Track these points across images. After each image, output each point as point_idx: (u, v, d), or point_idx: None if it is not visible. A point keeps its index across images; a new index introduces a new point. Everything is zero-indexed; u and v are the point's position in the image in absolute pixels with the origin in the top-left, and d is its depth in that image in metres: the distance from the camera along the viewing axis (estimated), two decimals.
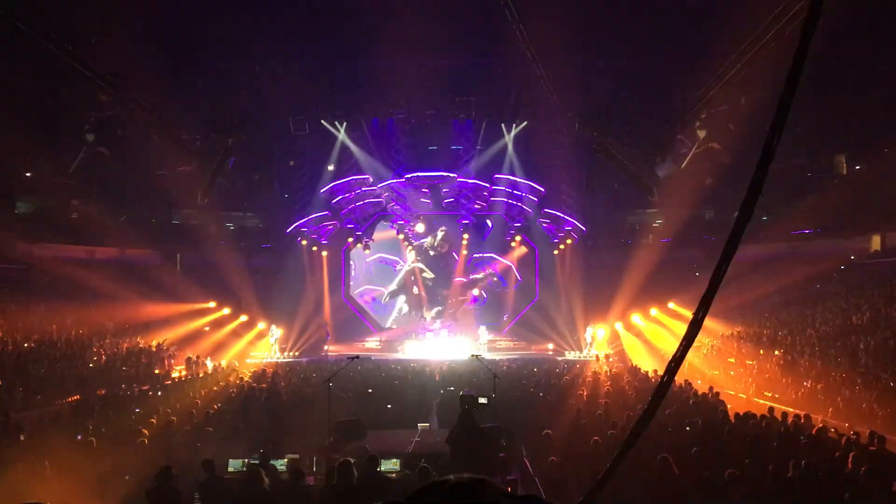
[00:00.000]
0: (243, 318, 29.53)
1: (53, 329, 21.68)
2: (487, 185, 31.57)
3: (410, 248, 34.09)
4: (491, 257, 33.64)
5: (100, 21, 23.41)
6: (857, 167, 27.80)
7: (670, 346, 23.99)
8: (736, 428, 11.12)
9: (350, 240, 33.50)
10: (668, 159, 29.23)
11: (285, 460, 8.91)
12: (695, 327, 1.96)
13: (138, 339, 24.35)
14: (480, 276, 33.71)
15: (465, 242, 33.65)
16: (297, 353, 30.05)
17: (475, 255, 33.59)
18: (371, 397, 15.55)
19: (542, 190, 31.29)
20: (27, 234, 27.26)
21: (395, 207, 32.84)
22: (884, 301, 20.41)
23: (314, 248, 32.83)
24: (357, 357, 21.40)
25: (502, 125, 31.91)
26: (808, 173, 29.55)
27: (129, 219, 29.98)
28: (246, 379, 19.25)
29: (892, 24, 21.36)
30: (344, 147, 32.36)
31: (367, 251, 34.18)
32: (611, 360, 26.82)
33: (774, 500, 7.41)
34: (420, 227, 33.93)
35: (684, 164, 29.94)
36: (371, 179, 31.86)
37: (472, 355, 26.21)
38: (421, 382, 18.79)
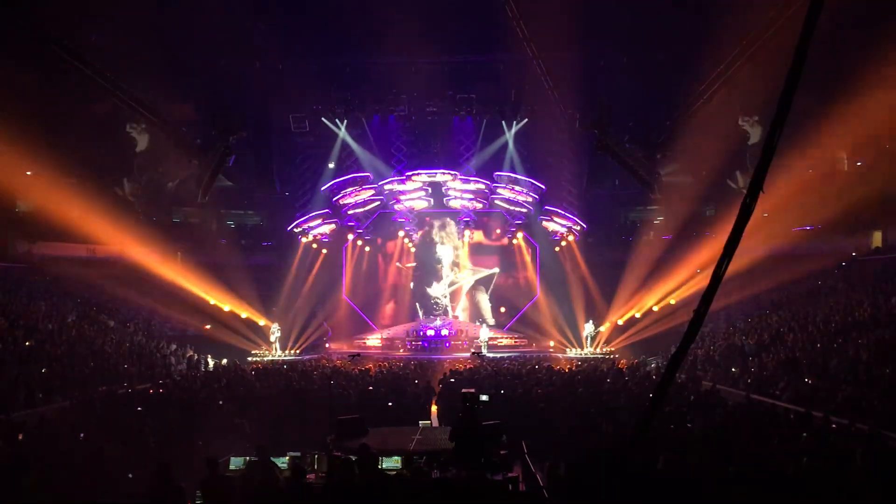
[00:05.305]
0: (244, 315, 29.57)
1: (54, 327, 21.65)
2: (488, 183, 31.56)
3: (411, 244, 34.16)
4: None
5: (100, 19, 23.40)
6: (859, 163, 27.75)
7: (672, 343, 23.99)
8: (737, 425, 11.12)
9: (350, 237, 33.51)
10: (669, 156, 29.17)
11: (286, 458, 8.92)
12: (695, 324, 1.96)
13: (140, 338, 24.37)
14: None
15: (466, 240, 33.72)
16: (297, 351, 30.10)
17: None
18: (372, 395, 15.54)
19: (543, 187, 31.26)
20: (28, 233, 27.29)
21: (396, 205, 32.82)
22: (884, 297, 20.40)
23: (315, 246, 32.83)
24: (358, 355, 21.50)
25: (503, 122, 31.89)
26: (809, 169, 29.50)
27: (130, 217, 29.98)
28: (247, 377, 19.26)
29: (893, 18, 21.27)
30: (344, 145, 32.40)
31: (367, 249, 34.21)
32: (612, 356, 26.83)
33: (778, 496, 7.41)
34: (420, 224, 34.09)
35: (686, 160, 29.88)
36: (371, 177, 31.86)
37: (474, 353, 26.44)
38: (422, 380, 18.79)
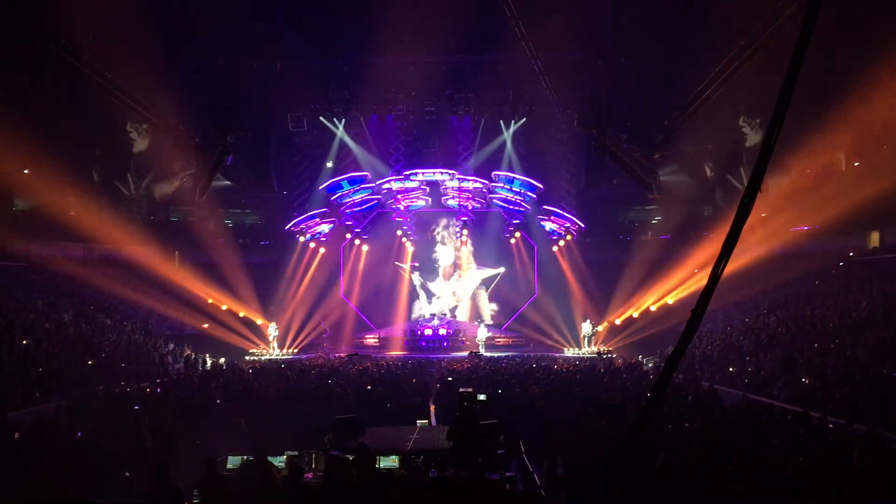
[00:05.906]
0: (242, 314, 29.55)
1: (51, 326, 21.62)
2: (486, 182, 31.56)
3: (409, 243, 34.16)
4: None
5: (97, 18, 23.33)
6: (857, 163, 27.80)
7: (670, 343, 24.02)
8: (735, 424, 11.13)
9: (348, 236, 33.49)
10: (668, 156, 29.20)
11: (284, 457, 8.91)
12: (693, 324, 1.96)
13: (137, 337, 24.33)
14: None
15: (464, 239, 33.72)
16: (295, 350, 30.09)
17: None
18: (370, 394, 15.54)
19: (541, 187, 31.28)
20: (25, 232, 27.23)
21: (394, 204, 32.81)
22: (882, 297, 20.42)
23: (312, 245, 32.81)
24: (356, 354, 21.51)
25: (501, 122, 31.89)
26: (807, 170, 29.54)
27: (128, 216, 29.97)
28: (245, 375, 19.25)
29: (892, 19, 21.30)
30: (342, 144, 32.37)
31: (365, 248, 34.20)
32: (609, 356, 26.84)
33: (777, 496, 7.41)
34: (419, 224, 34.13)
35: (684, 160, 29.91)
36: (370, 176, 31.85)
37: (471, 352, 26.45)
38: (420, 379, 18.79)
